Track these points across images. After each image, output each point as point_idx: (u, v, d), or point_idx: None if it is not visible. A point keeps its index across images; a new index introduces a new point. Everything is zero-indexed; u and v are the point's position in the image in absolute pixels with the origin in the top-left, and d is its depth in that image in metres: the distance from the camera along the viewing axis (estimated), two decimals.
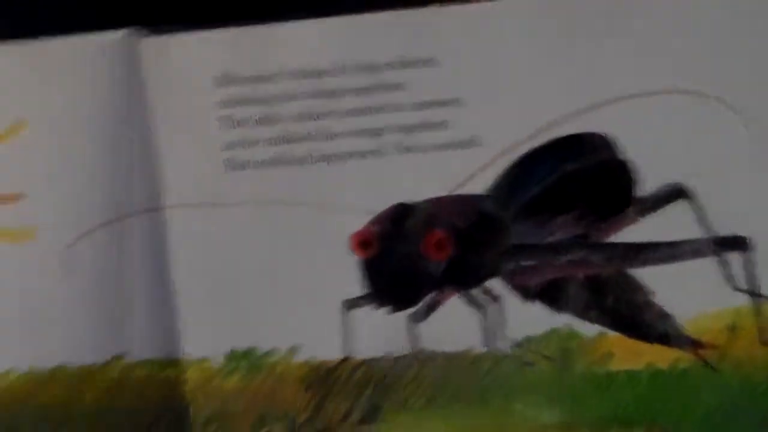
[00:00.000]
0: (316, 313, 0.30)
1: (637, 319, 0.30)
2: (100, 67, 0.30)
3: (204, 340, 0.31)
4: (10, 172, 0.30)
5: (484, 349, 0.30)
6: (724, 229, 0.30)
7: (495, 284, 0.30)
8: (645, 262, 0.30)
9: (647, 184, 0.30)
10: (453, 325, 0.30)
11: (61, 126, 0.30)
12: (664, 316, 0.30)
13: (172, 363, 0.30)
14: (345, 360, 0.30)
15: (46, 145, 0.30)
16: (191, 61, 0.30)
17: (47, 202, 0.30)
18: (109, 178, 0.30)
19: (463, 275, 0.30)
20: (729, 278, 0.30)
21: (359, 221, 0.30)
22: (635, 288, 0.30)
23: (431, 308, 0.30)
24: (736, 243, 0.30)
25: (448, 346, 0.30)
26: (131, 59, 0.30)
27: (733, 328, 0.30)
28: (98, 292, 0.30)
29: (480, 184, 0.30)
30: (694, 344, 0.30)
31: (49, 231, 0.30)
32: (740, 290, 0.30)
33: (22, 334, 0.30)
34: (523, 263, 0.30)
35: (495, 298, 0.30)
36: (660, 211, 0.30)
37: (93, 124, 0.30)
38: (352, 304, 0.30)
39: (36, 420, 0.30)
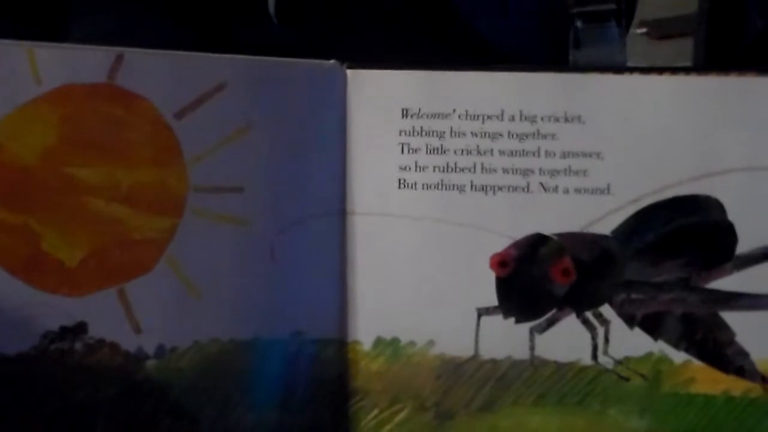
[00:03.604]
0: (454, 315, 0.36)
1: (720, 353, 0.36)
2: (311, 87, 0.35)
3: (358, 327, 0.36)
4: (233, 168, 0.34)
5: (590, 362, 0.36)
6: None
7: (606, 310, 0.36)
8: (733, 308, 0.35)
9: (745, 244, 0.35)
10: (566, 339, 0.36)
11: (275, 133, 0.35)
12: (743, 353, 0.36)
13: (335, 342, 0.36)
14: (473, 357, 0.36)
15: (262, 148, 0.34)
16: (384, 93, 0.35)
17: (260, 197, 0.34)
18: (307, 183, 0.35)
19: (581, 299, 0.36)
20: None
21: (501, 244, 0.35)
22: (722, 327, 0.36)
23: (550, 323, 0.36)
24: None
25: (560, 356, 0.36)
26: (335, 85, 0.35)
27: None
28: (292, 277, 0.35)
29: (607, 226, 0.35)
30: (764, 380, 0.36)
31: (260, 221, 0.35)
32: None
33: (227, 307, 0.34)
34: (633, 296, 0.36)
35: (604, 322, 0.36)
36: (753, 268, 0.35)
37: (300, 134, 0.35)
38: (485, 311, 0.36)
39: (234, 384, 0.35)
